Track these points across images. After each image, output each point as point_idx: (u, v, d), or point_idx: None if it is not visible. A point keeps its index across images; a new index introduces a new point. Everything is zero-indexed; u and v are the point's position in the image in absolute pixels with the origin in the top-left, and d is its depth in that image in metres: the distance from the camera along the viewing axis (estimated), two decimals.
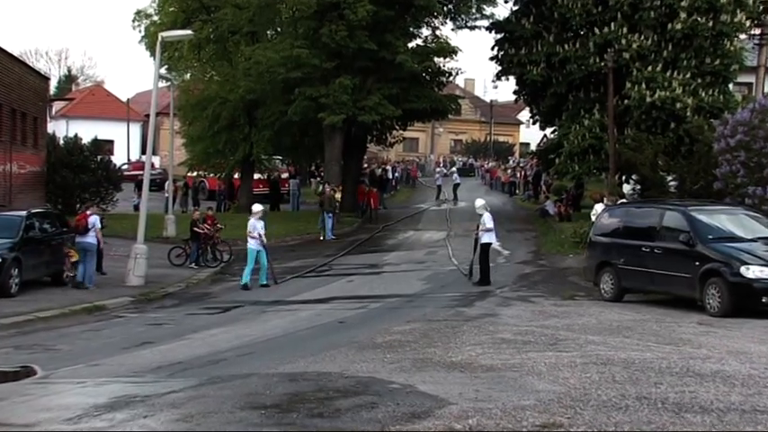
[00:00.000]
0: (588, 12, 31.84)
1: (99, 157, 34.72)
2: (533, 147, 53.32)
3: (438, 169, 56.85)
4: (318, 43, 34.43)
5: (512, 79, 36.94)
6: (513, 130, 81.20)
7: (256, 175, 42.90)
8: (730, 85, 32.45)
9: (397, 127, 41.41)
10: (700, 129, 26.63)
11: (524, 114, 56.71)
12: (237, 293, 20.51)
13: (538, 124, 38.87)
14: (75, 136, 35.36)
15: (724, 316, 14.68)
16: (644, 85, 30.19)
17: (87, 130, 40.41)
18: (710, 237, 16.00)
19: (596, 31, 31.58)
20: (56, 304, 17.53)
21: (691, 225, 16.21)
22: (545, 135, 44.94)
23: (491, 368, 9.77)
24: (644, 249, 16.91)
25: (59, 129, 47.60)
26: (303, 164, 50.64)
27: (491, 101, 75.43)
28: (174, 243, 26.91)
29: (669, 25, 30.58)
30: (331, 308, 17.90)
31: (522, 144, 78.28)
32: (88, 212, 20.93)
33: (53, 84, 69.60)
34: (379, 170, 48.72)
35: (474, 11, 38.78)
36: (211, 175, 43.85)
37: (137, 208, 33.23)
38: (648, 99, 29.94)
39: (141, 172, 28.03)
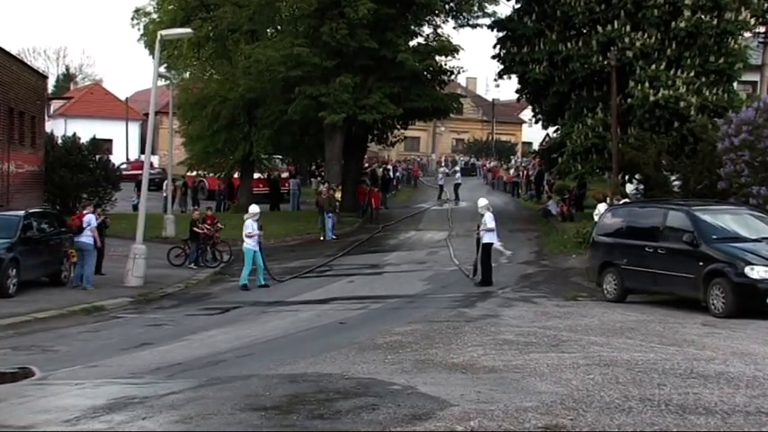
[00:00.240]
0: (591, 10, 31.77)
1: (97, 157, 34.62)
2: (536, 146, 53.28)
3: (441, 169, 56.80)
4: (319, 41, 34.37)
5: (514, 78, 36.91)
6: (515, 129, 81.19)
7: (256, 175, 42.88)
8: (735, 84, 32.39)
9: (398, 126, 41.36)
10: (704, 128, 26.54)
11: (527, 113, 56.61)
12: (237, 294, 20.46)
13: (540, 123, 38.84)
14: (74, 135, 35.26)
15: (728, 317, 14.61)
16: (647, 84, 30.11)
17: (86, 130, 40.25)
18: (714, 237, 15.92)
19: (599, 29, 31.51)
20: (54, 305, 17.48)
21: (694, 225, 16.13)
22: (547, 134, 44.92)
23: (493, 369, 9.75)
24: (647, 249, 16.83)
25: (57, 128, 47.44)
26: (303, 163, 50.59)
27: (493, 100, 75.48)
28: (174, 243, 26.83)
29: (673, 23, 30.51)
30: (331, 308, 17.85)
31: (524, 143, 78.22)
32: (84, 212, 20.83)
33: (51, 82, 69.66)
34: (381, 169, 48.62)
35: (476, 9, 38.68)
36: (211, 174, 43.79)
37: (136, 208, 33.14)
38: (652, 98, 29.86)
39: (140, 171, 27.95)
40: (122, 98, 67.70)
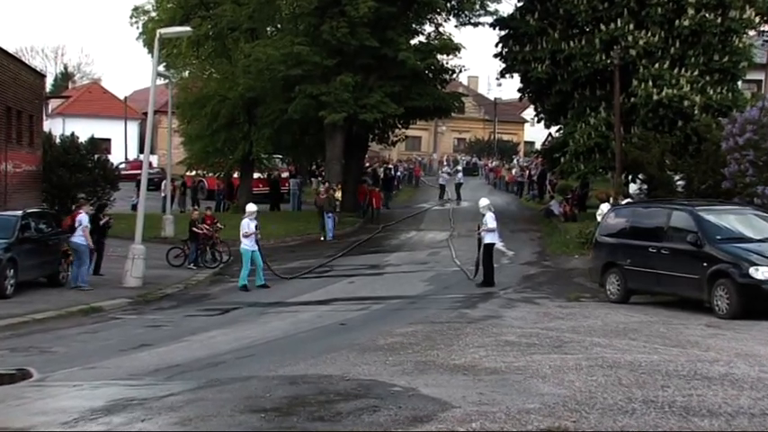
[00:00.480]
0: (594, 8, 31.74)
1: (96, 156, 34.47)
2: (538, 145, 53.25)
3: (444, 169, 56.74)
4: (319, 40, 34.33)
5: (516, 77, 36.92)
6: (517, 128, 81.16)
7: (256, 175, 42.79)
8: (739, 83, 32.39)
9: (400, 125, 41.37)
10: (708, 127, 26.51)
11: (529, 112, 56.49)
12: (237, 295, 20.40)
13: (543, 122, 38.81)
14: (72, 134, 35.11)
15: (732, 318, 14.55)
16: (651, 83, 30.08)
17: (84, 129, 40.12)
18: (719, 237, 15.84)
19: (602, 27, 31.50)
20: (52, 306, 17.42)
21: (698, 225, 16.04)
22: (550, 133, 44.83)
23: (495, 371, 9.71)
24: (651, 250, 16.74)
25: (56, 127, 47.48)
26: (303, 163, 50.55)
27: (495, 99, 75.51)
28: (173, 243, 26.75)
29: (677, 22, 30.48)
30: (332, 309, 17.79)
31: (526, 143, 78.17)
32: (80, 211, 20.71)
33: (49, 81, 69.44)
34: (382, 169, 48.56)
35: (478, 7, 38.65)
36: (210, 174, 43.72)
37: (135, 208, 33.06)
38: (655, 97, 29.84)
39: (139, 171, 27.85)
40: (121, 97, 67.71)
